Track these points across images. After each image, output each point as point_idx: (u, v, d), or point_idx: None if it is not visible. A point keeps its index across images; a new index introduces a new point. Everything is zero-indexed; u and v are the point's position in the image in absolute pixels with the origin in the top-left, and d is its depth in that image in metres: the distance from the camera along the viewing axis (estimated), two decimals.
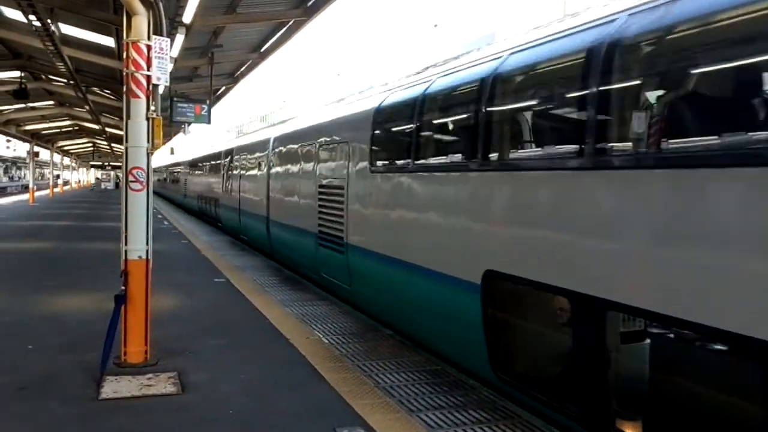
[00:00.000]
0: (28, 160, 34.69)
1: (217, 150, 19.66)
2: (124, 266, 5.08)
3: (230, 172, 16.01)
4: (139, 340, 5.15)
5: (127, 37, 4.98)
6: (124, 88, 5.00)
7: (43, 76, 13.96)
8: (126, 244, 5.07)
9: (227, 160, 16.64)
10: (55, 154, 38.16)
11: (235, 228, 15.66)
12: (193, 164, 25.37)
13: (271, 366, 5.35)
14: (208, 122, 11.99)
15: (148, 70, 5.03)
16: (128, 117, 5.01)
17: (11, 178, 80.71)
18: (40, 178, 65.31)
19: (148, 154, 5.12)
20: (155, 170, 42.89)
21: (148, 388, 4.58)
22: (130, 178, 5.04)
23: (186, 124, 17.54)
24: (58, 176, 46.47)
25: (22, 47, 11.50)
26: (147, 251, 5.15)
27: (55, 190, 40.79)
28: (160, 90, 5.26)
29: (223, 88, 17.26)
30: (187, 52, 11.44)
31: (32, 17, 7.37)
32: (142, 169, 5.07)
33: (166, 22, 5.19)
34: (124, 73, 4.99)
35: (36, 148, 31.76)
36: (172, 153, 31.24)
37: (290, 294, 8.71)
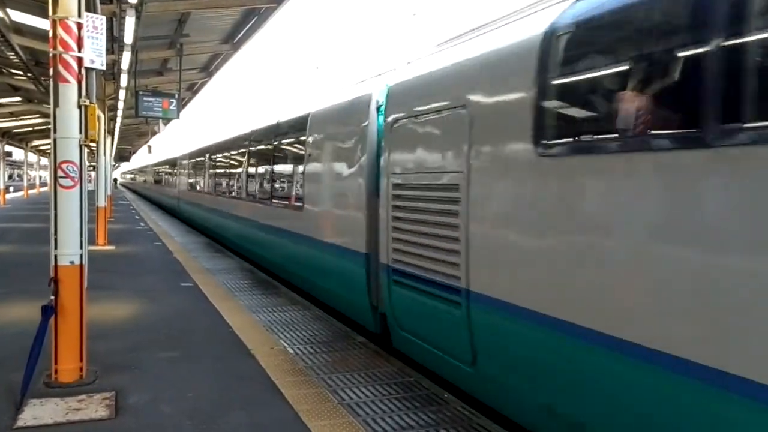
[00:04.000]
0: None
1: None
2: (53, 273, 4.49)
3: None
4: (73, 356, 4.57)
5: (54, 13, 4.39)
6: (51, 72, 4.42)
7: (4, 70, 13.22)
8: (55, 248, 4.49)
9: None
10: (31, 154, 37.11)
11: None
12: None
13: (225, 382, 4.80)
14: (177, 117, 11.38)
15: (79, 51, 4.45)
16: (56, 104, 4.42)
17: None
18: (18, 178, 63.86)
19: (81, 147, 4.54)
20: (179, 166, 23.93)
21: (76, 413, 4.01)
22: (60, 173, 4.45)
23: (160, 121, 16.93)
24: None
25: None
26: (81, 256, 4.57)
27: (32, 191, 39.80)
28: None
29: (199, 82, 16.60)
30: (150, 41, 10.82)
31: None
32: (74, 164, 4.49)
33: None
34: (51, 55, 4.40)
35: (9, 148, 30.73)
36: (150, 152, 30.28)
37: (260, 299, 8.16)
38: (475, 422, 4.13)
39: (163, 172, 31.16)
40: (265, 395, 4.52)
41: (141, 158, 45.85)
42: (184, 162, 21.57)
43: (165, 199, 29.09)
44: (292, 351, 5.69)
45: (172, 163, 25.95)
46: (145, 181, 43.63)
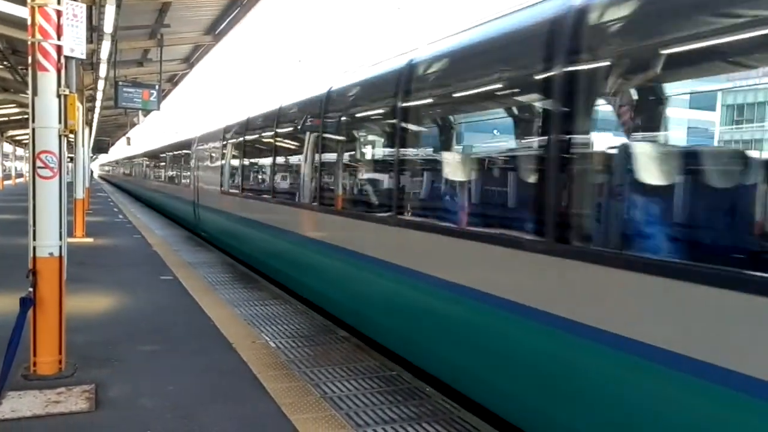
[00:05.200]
0: None
1: None
2: (31, 265, 4.43)
3: None
4: (52, 349, 4.51)
5: (33, 0, 4.31)
6: (29, 60, 4.34)
7: None
8: (34, 240, 4.42)
9: None
10: (7, 144, 36.33)
11: None
12: None
13: (207, 375, 4.78)
14: (157, 108, 11.23)
15: (59, 39, 4.37)
16: (35, 93, 4.34)
17: None
18: None
19: (61, 137, 4.46)
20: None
21: (55, 405, 3.96)
22: (39, 163, 4.38)
23: (139, 113, 16.68)
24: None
25: None
26: (60, 248, 4.51)
27: (7, 182, 39.02)
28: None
29: (180, 74, 16.39)
30: (130, 31, 10.65)
31: None
32: (53, 154, 4.41)
33: None
34: (29, 42, 4.32)
35: None
36: (129, 144, 29.70)
37: (241, 293, 8.12)
38: (457, 415, 4.17)
39: (161, 161, 20.63)
40: (247, 389, 4.51)
41: (122, 149, 42.70)
42: (211, 145, 12.04)
43: (165, 201, 18.95)
44: (273, 345, 5.68)
45: (179, 147, 16.42)
46: (130, 173, 33.87)
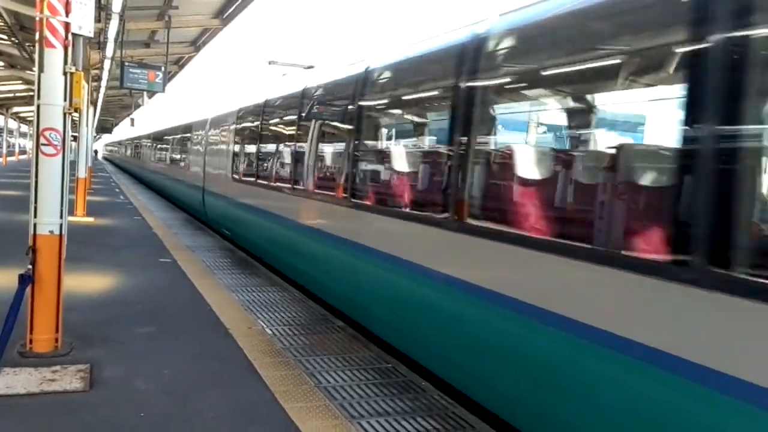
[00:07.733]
0: None
1: None
2: (31, 242, 4.42)
3: None
4: (49, 327, 4.51)
5: None
6: (37, 36, 4.31)
7: None
8: (35, 217, 4.40)
9: None
10: (11, 121, 36.25)
11: None
12: None
13: (202, 359, 4.78)
14: (162, 90, 11.19)
15: (67, 16, 4.34)
16: (41, 70, 4.32)
17: None
18: None
19: (65, 114, 4.44)
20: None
21: (50, 384, 3.97)
22: (42, 140, 4.36)
23: (144, 94, 16.63)
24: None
25: None
26: (60, 226, 4.50)
27: (11, 158, 39.01)
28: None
29: (186, 56, 16.33)
30: (138, 11, 10.59)
31: None
32: (58, 131, 4.39)
33: None
34: (37, 18, 4.29)
35: None
36: (132, 125, 29.57)
37: (239, 278, 8.12)
38: (451, 411, 4.16)
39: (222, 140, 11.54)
40: (242, 375, 4.51)
41: (124, 129, 41.38)
42: None
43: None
44: (270, 332, 5.68)
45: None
46: (136, 155, 28.06)
